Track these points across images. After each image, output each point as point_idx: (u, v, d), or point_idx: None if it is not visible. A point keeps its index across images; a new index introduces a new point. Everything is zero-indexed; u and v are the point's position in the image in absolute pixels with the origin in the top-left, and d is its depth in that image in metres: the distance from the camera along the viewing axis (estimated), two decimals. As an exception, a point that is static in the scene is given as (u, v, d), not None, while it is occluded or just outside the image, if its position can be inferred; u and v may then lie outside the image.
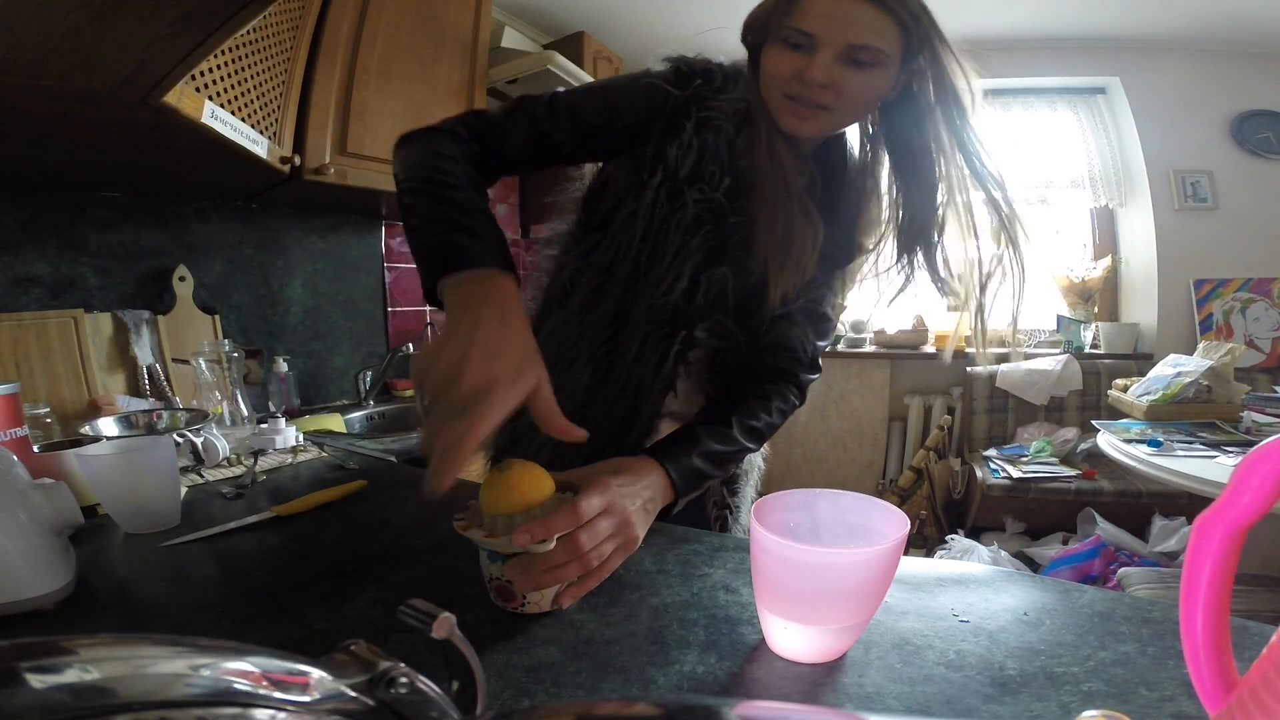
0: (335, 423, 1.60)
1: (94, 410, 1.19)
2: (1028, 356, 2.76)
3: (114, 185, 1.37)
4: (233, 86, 1.09)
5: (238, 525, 0.71)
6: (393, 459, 1.10)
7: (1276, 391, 1.97)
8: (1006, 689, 0.42)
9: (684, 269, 0.68)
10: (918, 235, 0.70)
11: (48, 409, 1.08)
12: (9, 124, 0.88)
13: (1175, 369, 2.04)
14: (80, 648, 0.17)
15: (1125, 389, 2.15)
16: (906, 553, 0.49)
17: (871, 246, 0.75)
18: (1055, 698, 0.41)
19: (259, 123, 1.21)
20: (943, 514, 2.37)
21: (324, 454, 1.06)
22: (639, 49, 2.49)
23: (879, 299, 0.75)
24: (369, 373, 1.93)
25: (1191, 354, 2.12)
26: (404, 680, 0.22)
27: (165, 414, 1.10)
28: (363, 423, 1.78)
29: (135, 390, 1.36)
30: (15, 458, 0.62)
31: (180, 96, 0.88)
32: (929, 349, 2.90)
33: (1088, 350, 2.81)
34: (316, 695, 0.20)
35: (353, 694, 0.21)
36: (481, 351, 0.46)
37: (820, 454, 3.06)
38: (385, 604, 0.54)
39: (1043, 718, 0.39)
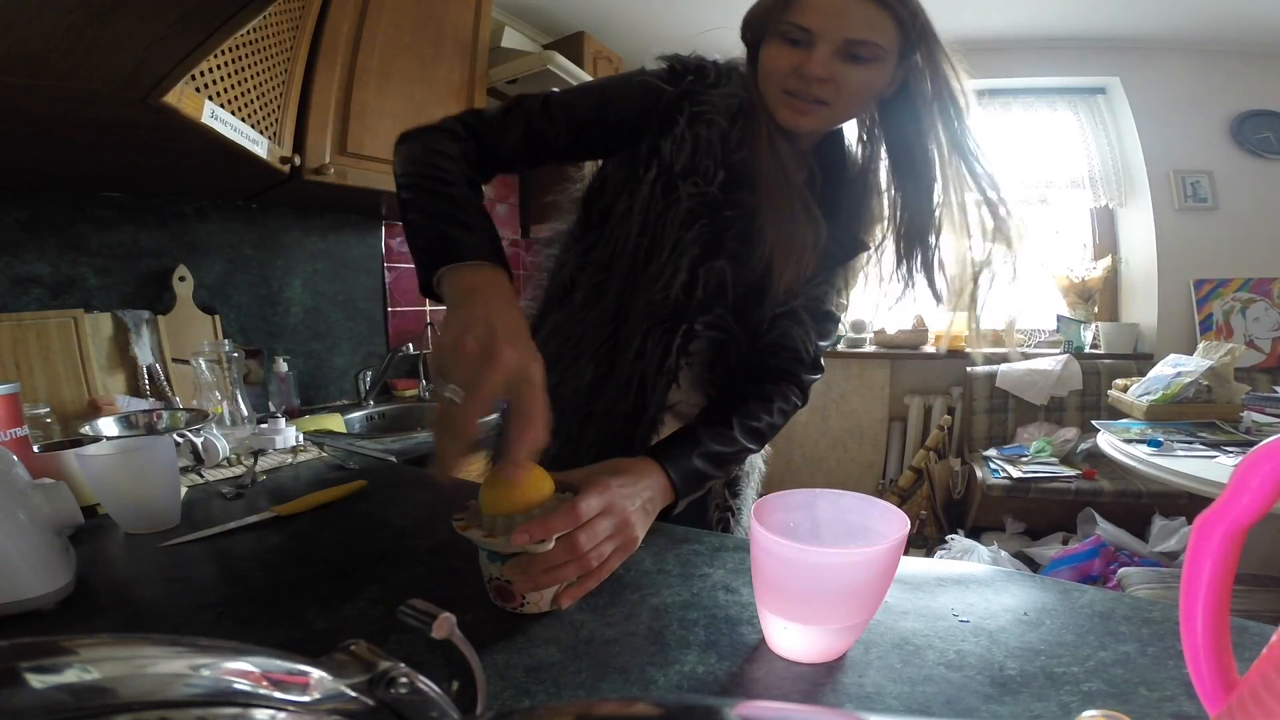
0: (335, 423, 1.60)
1: (94, 410, 1.19)
2: (1026, 356, 2.76)
3: (114, 185, 1.37)
4: (233, 86, 1.09)
5: (238, 525, 0.71)
6: (393, 459, 1.10)
7: (1276, 391, 1.97)
8: (1006, 689, 0.42)
9: (681, 263, 0.68)
10: (916, 237, 0.70)
11: (48, 409, 1.08)
12: (9, 124, 0.88)
13: (1175, 369, 2.04)
14: (80, 648, 0.17)
15: (1125, 389, 2.15)
16: (906, 553, 0.49)
17: (871, 244, 0.75)
18: (1055, 698, 0.41)
19: (259, 123, 1.21)
20: (943, 514, 2.37)
21: (324, 454, 1.06)
22: (639, 49, 2.49)
23: (879, 305, 0.76)
24: (369, 373, 1.93)
25: (1191, 354, 2.12)
26: (404, 680, 0.22)
27: (165, 414, 1.10)
28: (363, 423, 1.78)
29: (135, 390, 1.36)
30: (15, 458, 0.62)
31: (180, 96, 0.88)
32: (929, 349, 2.90)
33: (1088, 350, 2.81)
34: (316, 695, 0.20)
35: (353, 694, 0.21)
36: (506, 334, 0.46)
37: (820, 454, 3.06)
38: (385, 604, 0.54)
39: (1043, 718, 0.39)
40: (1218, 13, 2.33)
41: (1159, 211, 2.64)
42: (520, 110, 0.68)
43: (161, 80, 0.78)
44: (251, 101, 1.17)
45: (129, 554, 0.67)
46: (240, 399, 1.16)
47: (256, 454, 0.99)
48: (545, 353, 0.50)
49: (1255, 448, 0.27)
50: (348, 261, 1.92)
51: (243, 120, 1.13)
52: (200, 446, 0.93)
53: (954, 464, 2.64)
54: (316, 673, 0.21)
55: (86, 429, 0.96)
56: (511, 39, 2.18)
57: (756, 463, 0.90)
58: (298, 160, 1.35)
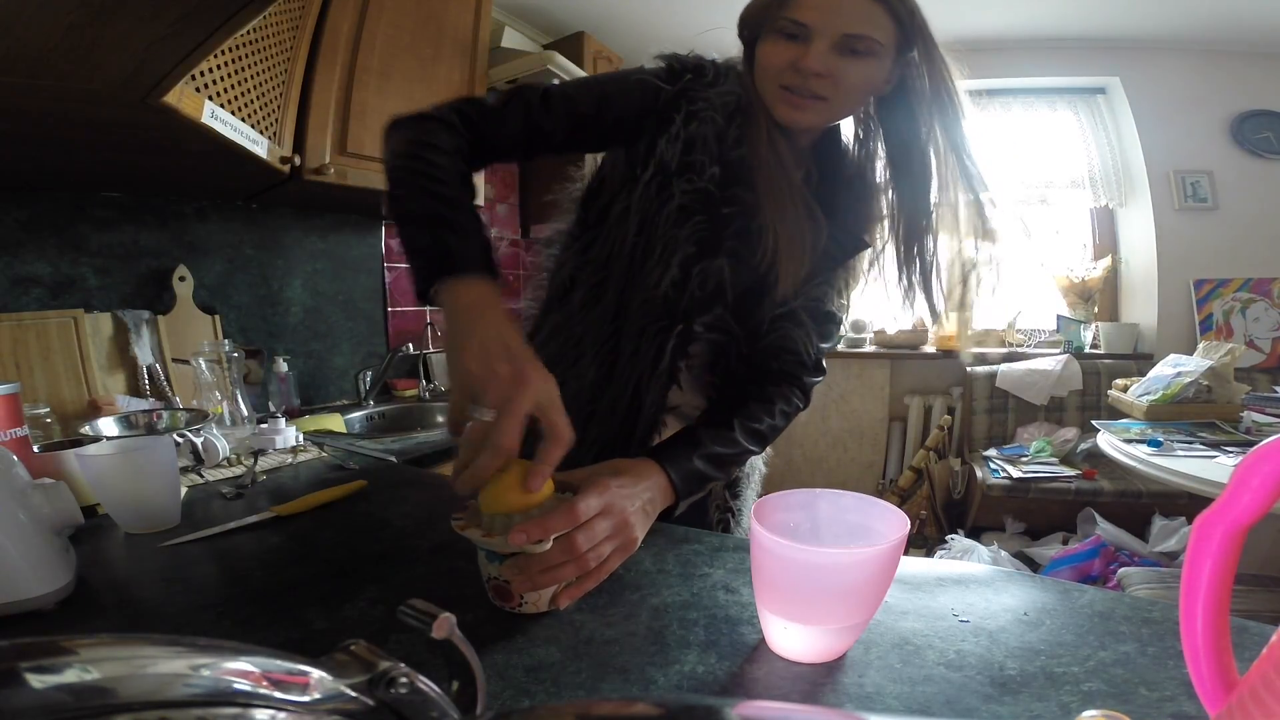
0: (335, 423, 1.60)
1: (94, 410, 1.19)
2: (1019, 357, 2.76)
3: (114, 185, 1.36)
4: (233, 86, 1.09)
5: (238, 525, 0.71)
6: (393, 459, 1.10)
7: (1276, 391, 1.97)
8: (1006, 689, 0.42)
9: (672, 260, 0.68)
10: (914, 239, 0.70)
11: (48, 409, 1.08)
12: (9, 124, 0.88)
13: (1175, 369, 2.04)
14: (80, 648, 0.17)
15: (1125, 389, 2.15)
16: (906, 553, 0.49)
17: (871, 242, 0.75)
18: (1055, 698, 0.41)
19: (259, 123, 1.21)
20: (943, 514, 2.37)
21: (324, 454, 1.06)
22: (639, 49, 2.48)
23: (887, 310, 0.76)
24: (369, 373, 1.93)
25: (1191, 354, 2.12)
26: (404, 680, 0.22)
27: (165, 414, 1.10)
28: (363, 423, 1.78)
29: (135, 390, 1.36)
30: (15, 458, 0.62)
31: (180, 96, 0.88)
32: (929, 349, 2.90)
33: (1088, 350, 2.81)
34: (316, 695, 0.20)
35: (353, 694, 0.21)
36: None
37: (820, 454, 3.06)
38: (385, 604, 0.54)
39: (1043, 718, 0.39)
40: (1218, 13, 2.33)
41: (1159, 211, 2.64)
42: (520, 101, 0.68)
43: (161, 80, 0.78)
44: (251, 101, 1.17)
45: (129, 554, 0.67)
46: (240, 399, 1.16)
47: (256, 454, 0.99)
48: (547, 353, 0.51)
49: (1255, 448, 0.27)
50: (348, 261, 1.92)
51: (243, 120, 1.13)
52: (200, 446, 0.93)
53: (954, 464, 2.64)
54: (316, 673, 0.21)
55: (86, 429, 0.96)
56: (511, 39, 2.18)
57: (757, 464, 0.90)
58: (298, 160, 1.35)
